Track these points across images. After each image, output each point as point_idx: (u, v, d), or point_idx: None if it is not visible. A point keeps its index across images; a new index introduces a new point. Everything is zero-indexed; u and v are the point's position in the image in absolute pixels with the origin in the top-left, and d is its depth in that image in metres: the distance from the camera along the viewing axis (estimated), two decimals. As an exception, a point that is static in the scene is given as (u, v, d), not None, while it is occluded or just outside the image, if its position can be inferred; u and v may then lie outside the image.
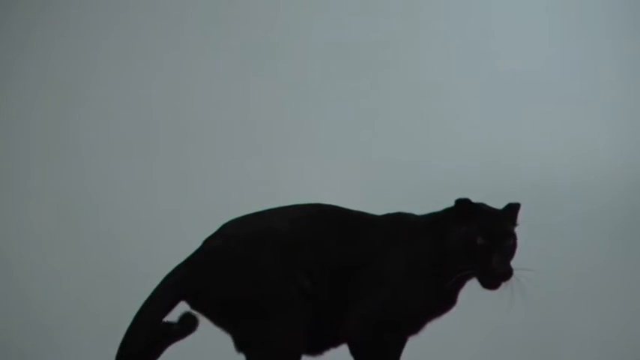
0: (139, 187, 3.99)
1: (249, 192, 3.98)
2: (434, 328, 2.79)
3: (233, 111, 4.02)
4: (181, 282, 2.77)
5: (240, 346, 2.75)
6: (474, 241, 2.70)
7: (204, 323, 2.83)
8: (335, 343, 2.80)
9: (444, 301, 2.79)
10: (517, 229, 2.81)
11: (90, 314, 3.93)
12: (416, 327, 2.77)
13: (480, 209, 2.73)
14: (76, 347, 3.90)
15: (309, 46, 4.04)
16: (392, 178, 3.96)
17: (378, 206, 2.88)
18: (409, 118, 4.04)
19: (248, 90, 4.03)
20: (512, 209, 2.78)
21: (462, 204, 2.74)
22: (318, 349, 2.80)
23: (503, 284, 2.74)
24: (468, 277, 2.74)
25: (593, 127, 4.05)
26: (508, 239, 2.72)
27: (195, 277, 2.76)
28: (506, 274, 2.71)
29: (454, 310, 2.81)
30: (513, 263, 2.77)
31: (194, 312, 2.79)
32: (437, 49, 4.05)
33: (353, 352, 2.75)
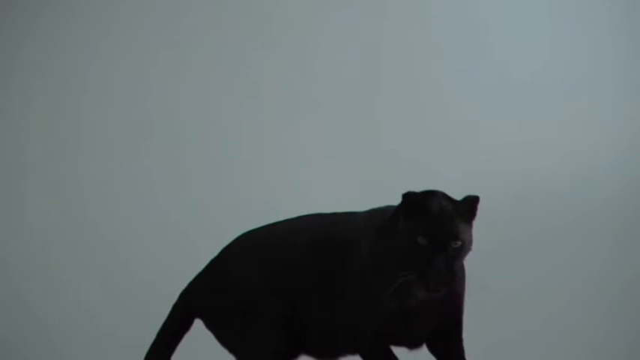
0: (137, 188, 3.98)
1: (249, 193, 3.97)
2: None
3: (233, 111, 4.01)
4: (181, 295, 2.84)
5: None
6: (414, 241, 2.53)
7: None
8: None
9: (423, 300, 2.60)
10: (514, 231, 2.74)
11: (87, 314, 3.92)
12: (406, 330, 2.63)
13: (428, 204, 2.54)
14: (74, 348, 3.90)
15: (310, 47, 4.03)
16: (392, 179, 3.95)
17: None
18: (410, 119, 4.03)
19: (248, 90, 4.02)
20: (468, 203, 2.58)
21: (408, 198, 2.56)
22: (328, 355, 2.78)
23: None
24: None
25: (594, 128, 4.04)
26: (453, 240, 2.53)
27: (191, 288, 2.82)
28: (445, 279, 2.52)
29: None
30: (477, 263, 2.65)
31: None
32: (437, 49, 4.04)
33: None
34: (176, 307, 2.81)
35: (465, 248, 2.54)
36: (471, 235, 2.57)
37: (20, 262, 3.94)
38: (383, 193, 3.90)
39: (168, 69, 4.01)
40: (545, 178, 4.00)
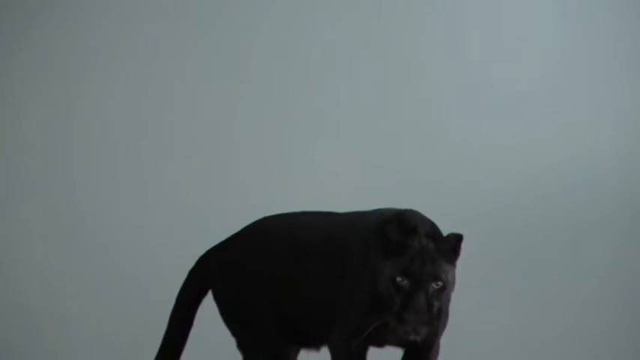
0: (132, 191, 3.97)
1: (249, 195, 3.96)
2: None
3: (232, 111, 4.00)
4: (198, 262, 2.84)
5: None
6: (393, 281, 2.46)
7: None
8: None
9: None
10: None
11: (80, 316, 3.90)
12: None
13: (408, 242, 2.47)
14: (68, 349, 3.89)
15: (311, 46, 4.02)
16: (393, 179, 3.94)
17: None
18: (412, 120, 4.02)
19: (247, 89, 4.01)
20: (451, 242, 2.49)
21: (387, 235, 2.49)
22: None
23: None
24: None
25: (595, 127, 4.03)
26: (434, 280, 2.44)
27: (206, 259, 2.82)
28: (424, 320, 2.43)
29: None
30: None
31: None
32: (438, 49, 4.03)
33: None
34: (193, 272, 2.81)
35: (446, 289, 2.46)
36: (453, 276, 2.48)
37: (15, 263, 3.93)
38: (382, 193, 3.92)
39: (165, 70, 3.99)
40: (544, 181, 3.99)
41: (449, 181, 3.96)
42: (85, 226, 3.93)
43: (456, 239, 2.48)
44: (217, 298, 2.79)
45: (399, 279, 2.43)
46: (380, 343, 2.60)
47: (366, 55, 4.01)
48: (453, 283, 2.48)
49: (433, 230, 2.51)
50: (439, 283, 2.43)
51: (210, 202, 3.91)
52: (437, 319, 2.47)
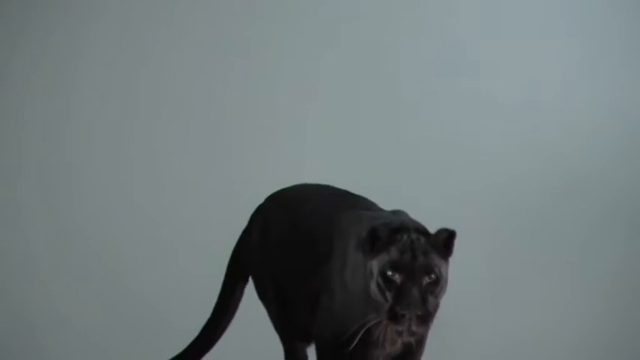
0: (129, 192, 3.98)
1: (248, 194, 3.95)
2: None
3: (231, 112, 4.01)
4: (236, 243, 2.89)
5: None
6: (383, 276, 2.35)
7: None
8: None
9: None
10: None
11: (76, 317, 3.91)
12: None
13: (397, 237, 2.37)
14: (68, 351, 3.90)
15: (311, 46, 4.03)
16: (392, 179, 3.94)
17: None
18: (411, 120, 4.02)
19: (246, 89, 4.02)
20: (442, 237, 2.39)
21: (374, 233, 2.39)
22: None
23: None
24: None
25: (597, 128, 4.04)
26: (427, 274, 2.34)
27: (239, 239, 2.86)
28: (419, 306, 2.31)
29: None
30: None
31: None
32: (439, 48, 4.04)
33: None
34: (232, 254, 2.86)
35: (440, 284, 2.35)
36: (447, 272, 2.37)
37: (15, 263, 3.93)
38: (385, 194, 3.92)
39: (161, 70, 4.00)
40: (545, 181, 3.99)
41: (449, 181, 3.97)
42: (84, 226, 3.94)
43: (449, 234, 2.39)
44: (250, 274, 2.82)
45: (389, 273, 2.34)
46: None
47: (367, 54, 4.02)
48: (447, 280, 2.37)
49: (423, 228, 2.42)
50: (432, 276, 2.34)
51: (210, 202, 3.91)
52: (432, 315, 2.35)
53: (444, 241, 2.38)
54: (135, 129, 3.98)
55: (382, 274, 2.34)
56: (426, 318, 2.32)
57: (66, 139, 3.99)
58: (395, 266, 2.33)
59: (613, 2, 4.03)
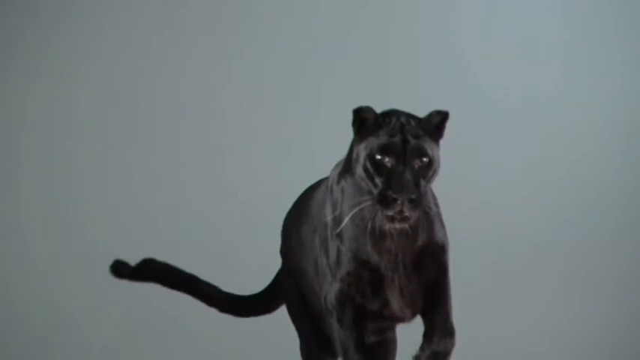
0: (134, 189, 3.99)
1: (246, 194, 3.97)
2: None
3: (230, 110, 4.01)
4: None
5: None
6: (372, 160, 2.23)
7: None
8: None
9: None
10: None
11: (83, 316, 3.92)
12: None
13: (385, 119, 2.25)
14: (71, 350, 3.90)
15: (311, 46, 4.03)
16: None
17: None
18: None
19: (247, 89, 4.02)
20: (434, 119, 2.29)
21: (360, 112, 2.28)
22: None
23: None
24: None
25: (600, 129, 4.04)
26: (418, 156, 2.23)
27: None
28: (411, 190, 2.18)
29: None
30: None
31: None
32: (439, 48, 4.05)
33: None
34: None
35: (432, 167, 2.26)
36: (439, 156, 2.27)
37: (14, 263, 3.94)
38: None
39: (159, 69, 4.01)
40: (546, 182, 4.01)
41: (449, 181, 3.97)
42: (84, 225, 3.96)
43: (441, 116, 2.31)
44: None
45: (378, 157, 2.24)
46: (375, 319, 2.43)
47: (367, 54, 4.03)
48: (439, 163, 2.28)
49: (414, 115, 2.32)
50: (424, 159, 2.26)
51: (211, 203, 3.92)
52: (424, 200, 2.24)
53: (437, 123, 2.30)
54: (135, 129, 3.99)
55: (370, 157, 2.25)
56: (418, 202, 2.23)
57: (66, 139, 4.01)
58: (384, 149, 2.24)
59: (613, 2, 4.05)
